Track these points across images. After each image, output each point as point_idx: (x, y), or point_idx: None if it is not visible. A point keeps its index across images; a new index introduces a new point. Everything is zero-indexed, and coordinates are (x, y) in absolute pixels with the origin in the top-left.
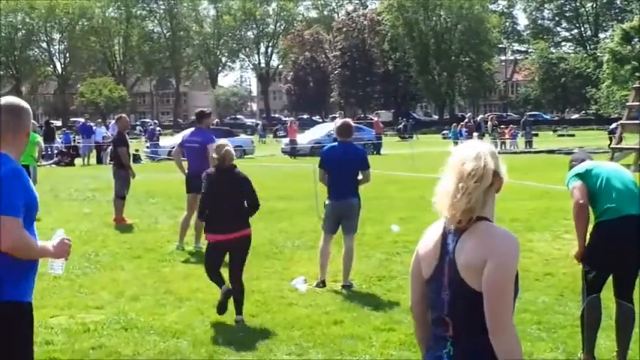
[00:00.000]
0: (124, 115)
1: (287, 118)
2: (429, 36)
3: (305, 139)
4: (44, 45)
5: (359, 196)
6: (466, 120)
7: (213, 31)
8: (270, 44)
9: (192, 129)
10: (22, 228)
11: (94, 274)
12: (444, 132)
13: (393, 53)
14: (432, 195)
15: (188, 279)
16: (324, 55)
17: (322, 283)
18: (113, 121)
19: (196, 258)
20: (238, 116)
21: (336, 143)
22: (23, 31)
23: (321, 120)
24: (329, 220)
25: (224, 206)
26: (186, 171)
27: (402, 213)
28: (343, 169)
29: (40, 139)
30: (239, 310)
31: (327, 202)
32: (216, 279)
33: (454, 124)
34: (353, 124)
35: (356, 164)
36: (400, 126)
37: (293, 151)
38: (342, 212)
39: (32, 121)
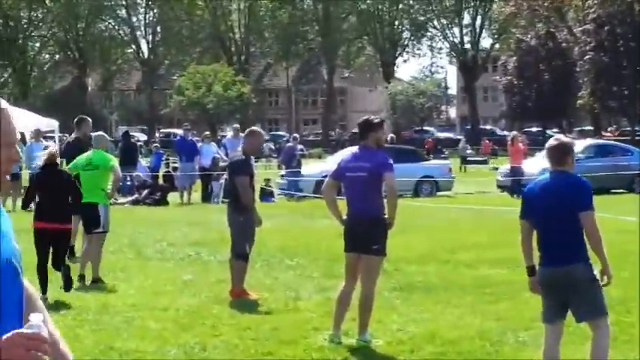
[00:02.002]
0: (257, 129)
1: (506, 132)
2: None
3: (535, 165)
4: (122, 12)
5: (587, 259)
6: None
7: None
8: (479, 12)
9: (353, 148)
10: None
11: None
12: None
13: None
14: None
15: None
16: (566, 30)
17: None
18: (230, 134)
19: (361, 357)
20: (427, 128)
21: (546, 175)
22: None
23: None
24: (545, 302)
25: (49, 199)
26: (345, 217)
27: None
28: (551, 213)
29: (115, 162)
30: (67, 286)
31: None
32: (42, 276)
33: None
34: (570, 144)
35: (571, 204)
36: None
37: (516, 186)
38: (563, 287)
39: (100, 133)
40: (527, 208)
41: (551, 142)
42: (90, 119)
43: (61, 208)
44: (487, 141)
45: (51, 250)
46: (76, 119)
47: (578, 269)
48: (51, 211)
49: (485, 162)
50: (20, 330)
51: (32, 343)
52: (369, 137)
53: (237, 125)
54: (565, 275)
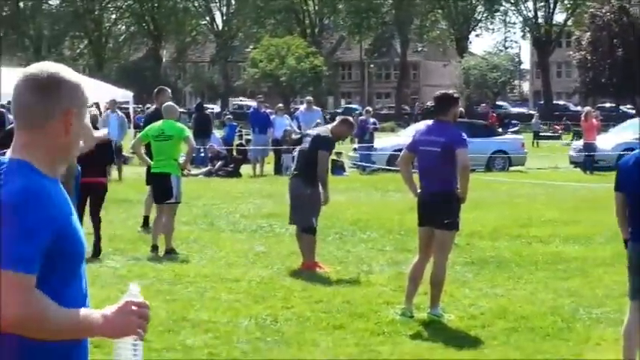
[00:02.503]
0: (352, 120)
1: (579, 108)
2: None
3: (608, 142)
4: None
5: None
6: None
7: None
8: None
9: (427, 122)
10: (30, 289)
11: (271, 351)
12: None
13: None
14: None
15: None
16: None
17: None
18: (303, 107)
19: (433, 332)
20: (500, 102)
21: None
22: None
23: (635, 111)
24: (630, 278)
25: (87, 157)
26: (419, 190)
27: None
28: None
29: (189, 133)
30: (97, 252)
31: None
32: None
33: None
34: None
35: None
36: None
37: (589, 162)
38: None
39: (169, 103)
40: (620, 181)
41: None
42: (168, 89)
43: (98, 164)
44: (556, 126)
45: (89, 201)
46: (155, 90)
47: None
48: (89, 167)
49: (558, 137)
50: (129, 299)
51: (142, 311)
52: (449, 112)
53: (310, 98)
54: None
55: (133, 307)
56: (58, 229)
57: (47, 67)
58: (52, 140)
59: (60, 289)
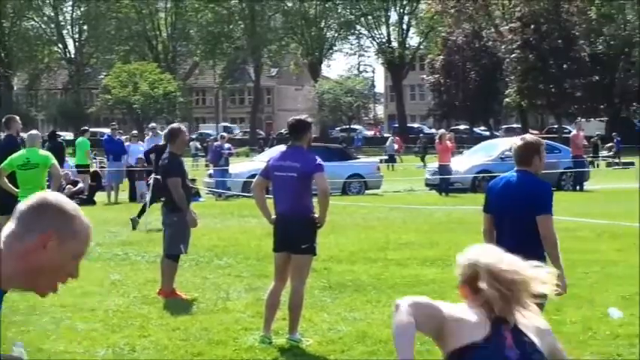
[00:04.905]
0: (178, 125)
1: (434, 130)
2: None
3: (462, 164)
4: (48, 12)
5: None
6: None
7: None
8: (407, 10)
9: (281, 147)
10: None
11: None
12: None
13: (605, 24)
14: None
15: None
16: (492, 28)
17: None
18: (149, 134)
19: (292, 357)
20: (355, 126)
21: (511, 173)
22: None
23: (488, 133)
24: None
25: None
26: (273, 215)
27: (625, 288)
28: (515, 213)
29: (54, 160)
30: None
31: None
32: None
33: None
34: (538, 144)
35: (528, 205)
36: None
37: (445, 184)
38: None
39: (34, 131)
40: (490, 204)
41: (519, 141)
42: (17, 117)
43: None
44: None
45: None
46: (4, 119)
47: None
48: None
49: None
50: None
51: None
52: (303, 138)
53: (154, 124)
54: None
55: None
56: None
57: (47, 194)
58: (23, 257)
59: None
